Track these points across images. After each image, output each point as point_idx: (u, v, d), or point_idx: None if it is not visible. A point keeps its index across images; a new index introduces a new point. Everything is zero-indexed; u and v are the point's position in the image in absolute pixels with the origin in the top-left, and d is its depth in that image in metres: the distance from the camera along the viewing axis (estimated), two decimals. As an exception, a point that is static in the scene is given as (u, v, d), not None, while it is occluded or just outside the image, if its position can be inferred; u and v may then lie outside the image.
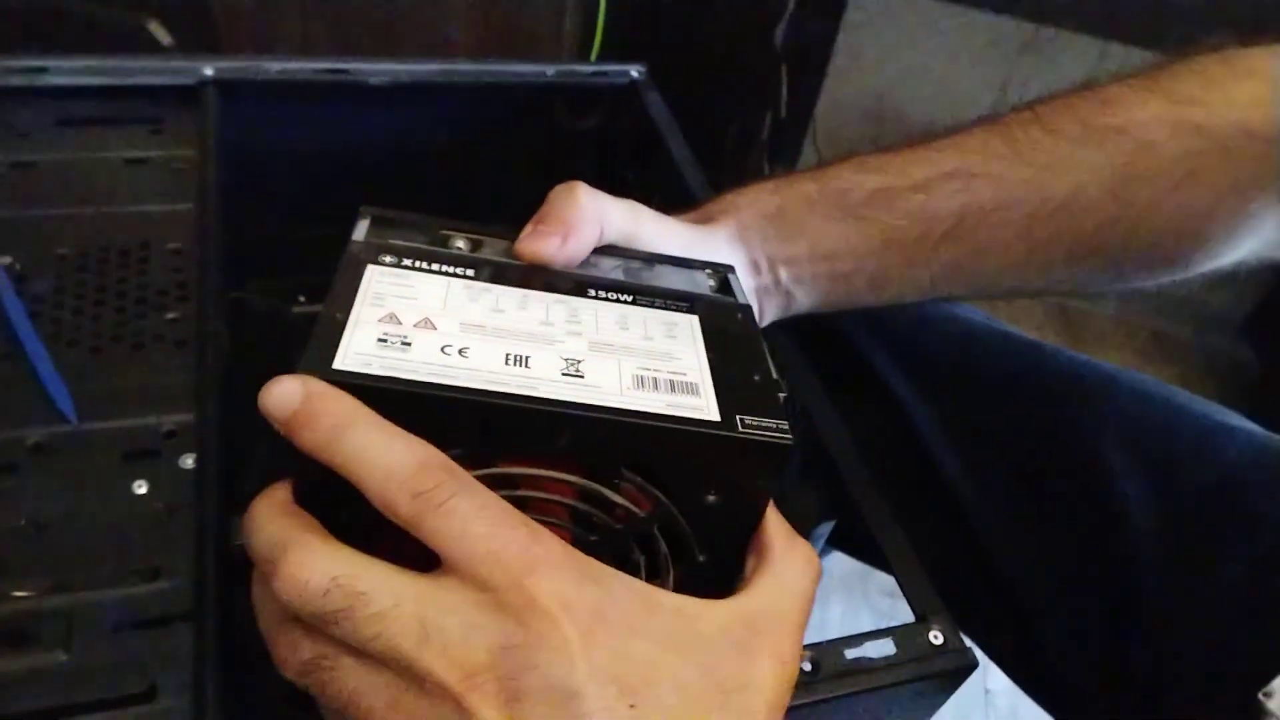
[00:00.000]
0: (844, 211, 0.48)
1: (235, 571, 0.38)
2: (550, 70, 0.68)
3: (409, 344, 0.31)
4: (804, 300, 0.49)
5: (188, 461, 0.40)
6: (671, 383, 0.32)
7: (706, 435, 0.30)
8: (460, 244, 0.37)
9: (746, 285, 0.44)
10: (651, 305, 0.36)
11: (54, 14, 1.02)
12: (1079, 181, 0.47)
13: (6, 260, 0.47)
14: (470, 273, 0.35)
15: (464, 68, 0.66)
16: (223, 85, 0.59)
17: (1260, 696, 0.42)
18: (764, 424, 0.31)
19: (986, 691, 1.11)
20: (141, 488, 0.39)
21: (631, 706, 0.27)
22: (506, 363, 0.31)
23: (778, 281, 0.47)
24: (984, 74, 1.34)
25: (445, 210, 0.71)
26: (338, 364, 0.29)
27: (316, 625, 0.28)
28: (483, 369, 0.30)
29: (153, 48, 1.09)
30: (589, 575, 0.28)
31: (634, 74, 0.70)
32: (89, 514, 0.38)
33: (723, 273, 0.41)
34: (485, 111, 0.69)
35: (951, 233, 0.48)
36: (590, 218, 0.38)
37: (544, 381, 0.30)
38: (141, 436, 0.41)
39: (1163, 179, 0.47)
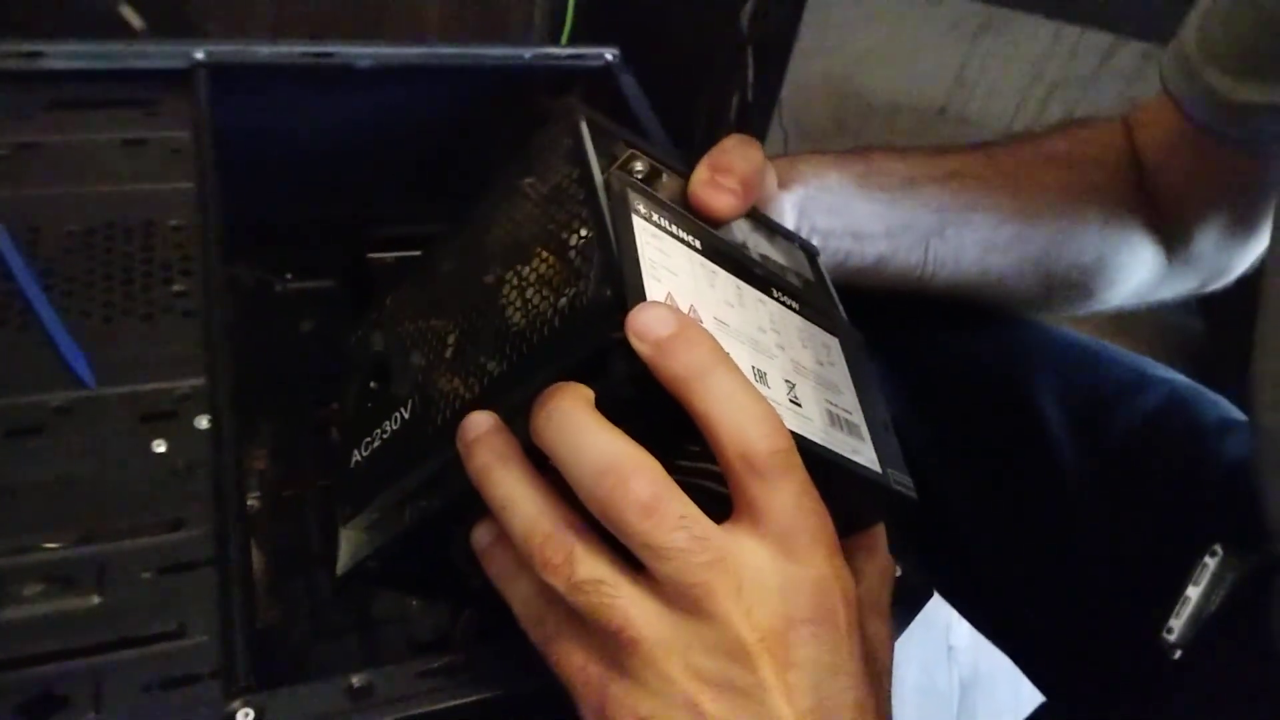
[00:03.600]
0: (884, 192, 0.52)
1: (251, 524, 0.41)
2: (527, 53, 0.71)
3: None
4: None
5: (202, 422, 0.43)
6: (847, 423, 0.35)
7: (873, 485, 0.34)
8: (639, 166, 0.37)
9: None
10: (811, 319, 0.38)
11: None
12: (1033, 196, 0.54)
13: (12, 239, 0.49)
14: (697, 244, 0.35)
15: (445, 51, 0.68)
16: (212, 68, 0.61)
17: (1164, 634, 0.46)
18: (902, 480, 0.35)
19: (950, 648, 1.16)
20: (160, 447, 0.42)
21: (873, 682, 0.31)
22: (754, 379, 0.32)
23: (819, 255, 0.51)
24: (943, 55, 1.38)
25: (429, 189, 0.73)
26: None
27: (639, 551, 0.28)
28: None
29: (125, 32, 1.10)
30: (853, 579, 0.31)
31: (608, 56, 0.72)
32: (112, 471, 0.41)
33: (811, 252, 0.44)
34: (465, 93, 0.72)
35: (950, 225, 0.53)
36: (761, 181, 0.40)
37: (782, 408, 0.32)
38: (157, 400, 0.43)
39: (1082, 204, 0.55)
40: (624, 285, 0.30)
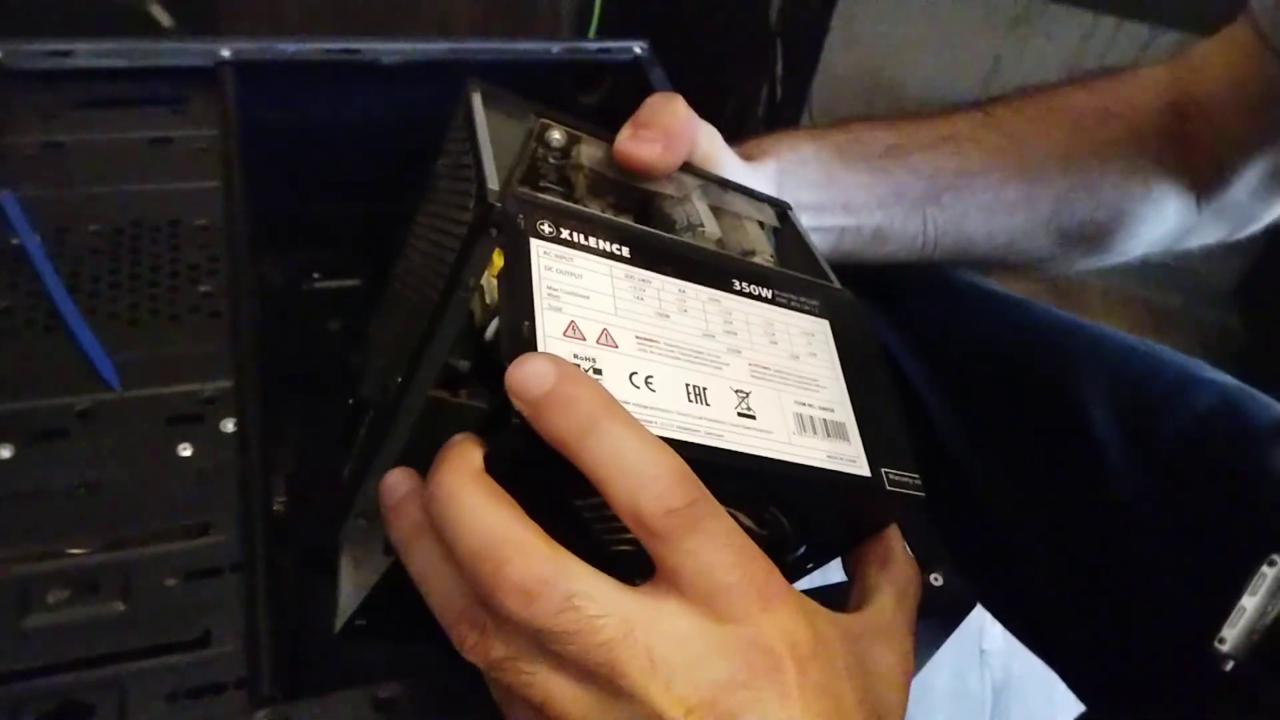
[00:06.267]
0: (866, 163, 0.51)
1: (278, 527, 0.40)
2: (555, 47, 0.70)
3: (600, 371, 0.28)
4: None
5: (228, 425, 0.42)
6: (825, 423, 0.32)
7: (861, 491, 0.32)
8: (556, 136, 0.36)
9: None
10: (788, 305, 0.35)
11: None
12: (1040, 153, 0.53)
13: (39, 239, 0.48)
14: (625, 251, 0.32)
15: (472, 46, 0.67)
16: (239, 66, 0.60)
17: (1216, 644, 0.44)
18: (904, 478, 0.32)
19: (982, 652, 1.14)
20: (186, 450, 0.41)
21: None
22: (689, 398, 0.30)
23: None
24: (977, 48, 1.36)
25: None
26: None
27: (532, 636, 0.26)
28: (672, 409, 0.29)
29: (154, 29, 1.10)
30: (804, 611, 0.28)
31: (637, 50, 0.71)
32: (138, 475, 0.40)
33: (781, 207, 0.42)
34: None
35: (946, 191, 0.52)
36: (687, 131, 0.38)
37: (725, 426, 0.30)
38: (183, 403, 0.43)
39: (1096, 158, 0.53)
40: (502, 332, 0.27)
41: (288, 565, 0.44)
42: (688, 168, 0.40)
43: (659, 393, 0.29)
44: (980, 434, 0.57)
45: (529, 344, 0.27)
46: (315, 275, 0.72)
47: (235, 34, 0.62)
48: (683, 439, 0.28)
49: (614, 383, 0.28)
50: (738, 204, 0.41)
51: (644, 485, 0.26)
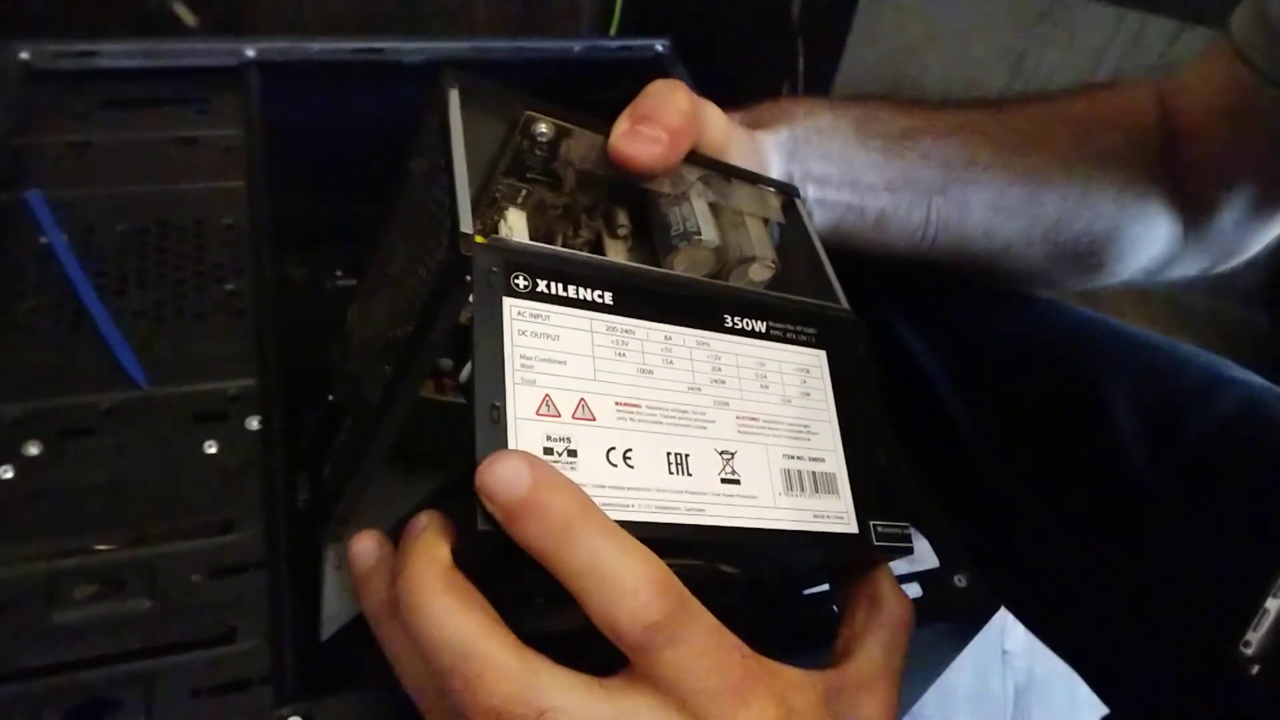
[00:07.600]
0: (882, 141, 0.50)
1: (302, 525, 0.41)
2: (577, 45, 0.70)
3: (575, 453, 0.27)
4: (816, 223, 0.50)
5: (253, 423, 0.43)
6: (814, 476, 0.31)
7: (846, 547, 0.31)
8: (543, 129, 0.34)
9: None
10: (783, 338, 0.34)
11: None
12: (1044, 155, 0.52)
13: (66, 238, 0.49)
14: (608, 298, 0.30)
15: (494, 45, 0.68)
16: (264, 66, 0.61)
17: (1240, 648, 0.44)
18: (892, 529, 0.32)
19: (1004, 652, 1.13)
20: (211, 448, 0.42)
21: None
22: (670, 469, 0.29)
23: (803, 199, 0.48)
24: (1001, 45, 1.35)
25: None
26: None
27: None
28: (651, 486, 0.28)
29: (179, 29, 1.11)
30: (778, 694, 0.28)
31: (659, 48, 0.71)
32: (164, 473, 0.41)
33: (788, 194, 0.40)
34: (514, 87, 0.71)
35: (954, 183, 0.51)
36: (691, 126, 0.36)
37: (707, 498, 0.29)
38: (209, 400, 0.43)
39: (1097, 167, 0.52)
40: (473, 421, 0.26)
41: (312, 561, 0.44)
42: (689, 156, 0.37)
43: (638, 468, 0.28)
44: (1002, 433, 0.57)
45: (499, 429, 0.26)
46: (338, 273, 0.73)
47: (259, 34, 0.62)
48: (661, 520, 0.28)
49: (590, 463, 0.27)
50: (741, 197, 0.39)
51: (621, 599, 0.25)
